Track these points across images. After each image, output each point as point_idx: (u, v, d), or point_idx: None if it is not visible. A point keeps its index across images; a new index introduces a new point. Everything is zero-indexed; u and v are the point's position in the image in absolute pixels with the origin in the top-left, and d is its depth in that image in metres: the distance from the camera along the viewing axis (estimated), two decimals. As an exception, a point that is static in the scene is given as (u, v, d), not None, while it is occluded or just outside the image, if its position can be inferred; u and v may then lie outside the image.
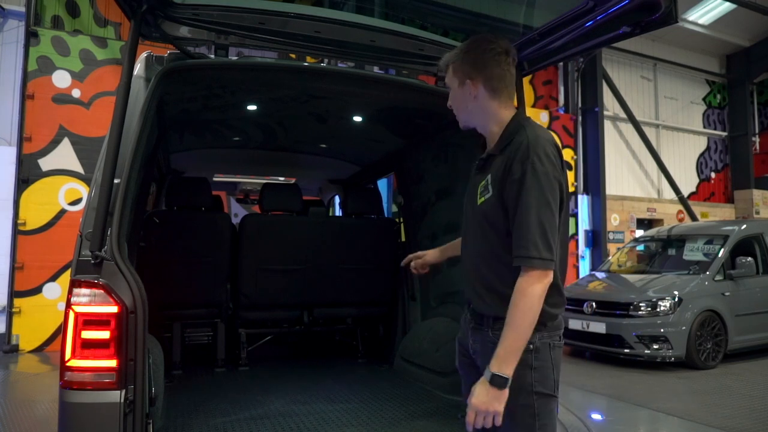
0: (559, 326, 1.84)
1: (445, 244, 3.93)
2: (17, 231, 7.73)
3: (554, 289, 1.74)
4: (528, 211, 1.64)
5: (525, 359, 1.69)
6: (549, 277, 1.67)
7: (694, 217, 13.81)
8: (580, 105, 13.05)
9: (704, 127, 15.89)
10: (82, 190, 8.08)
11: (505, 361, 1.63)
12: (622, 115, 13.67)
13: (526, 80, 11.04)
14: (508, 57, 1.82)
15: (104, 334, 1.99)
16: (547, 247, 1.64)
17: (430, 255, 2.37)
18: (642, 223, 13.91)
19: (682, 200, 14.03)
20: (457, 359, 2.03)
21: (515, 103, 1.92)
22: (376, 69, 3.46)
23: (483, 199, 1.79)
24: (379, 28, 2.73)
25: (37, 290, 7.77)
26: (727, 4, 13.20)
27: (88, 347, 1.98)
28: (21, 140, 7.83)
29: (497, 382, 1.62)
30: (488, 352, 1.73)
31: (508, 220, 1.71)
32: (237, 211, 9.74)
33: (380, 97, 3.36)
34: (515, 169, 1.68)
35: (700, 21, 14.18)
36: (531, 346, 1.72)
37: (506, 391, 1.63)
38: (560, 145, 12.58)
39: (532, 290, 1.63)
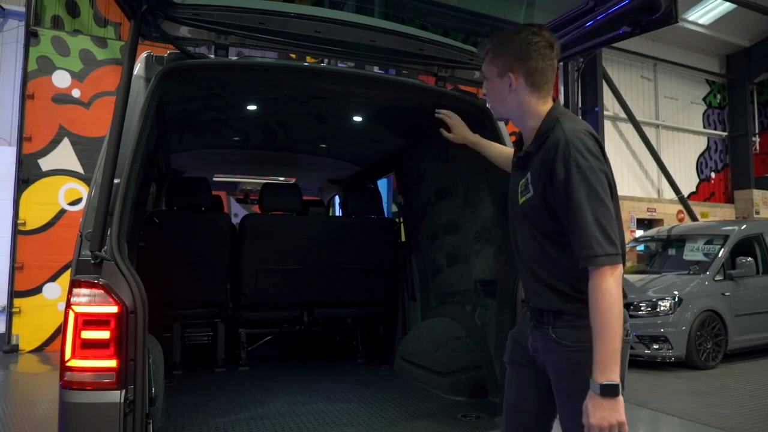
0: (625, 319, 1.73)
1: (445, 244, 3.92)
2: (17, 231, 7.73)
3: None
4: (582, 210, 1.58)
5: (586, 360, 1.60)
6: (619, 269, 1.59)
7: (694, 217, 13.81)
8: (580, 105, 13.05)
9: (704, 127, 15.89)
10: (82, 190, 8.08)
11: (607, 368, 1.53)
12: (622, 115, 13.67)
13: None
14: (552, 51, 1.74)
15: (104, 334, 1.99)
16: (609, 242, 1.58)
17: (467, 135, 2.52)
18: (642, 223, 13.91)
19: (682, 200, 14.03)
20: (508, 354, 1.97)
21: (553, 95, 1.85)
22: (376, 69, 3.46)
23: (524, 198, 1.76)
24: (379, 28, 2.73)
25: (37, 290, 7.77)
26: (727, 4, 13.20)
27: (88, 347, 1.98)
28: (21, 140, 7.83)
29: (608, 391, 1.52)
30: (550, 350, 1.72)
31: (552, 219, 1.68)
32: (237, 211, 9.74)
33: (380, 97, 3.35)
34: (558, 170, 1.62)
35: (700, 21, 14.18)
36: (589, 345, 1.64)
37: (621, 399, 1.54)
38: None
39: (607, 287, 1.56)
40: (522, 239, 1.82)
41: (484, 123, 3.09)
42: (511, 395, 1.94)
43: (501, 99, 1.80)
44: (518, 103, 1.77)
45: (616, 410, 1.52)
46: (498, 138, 2.99)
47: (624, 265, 1.63)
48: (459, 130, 2.52)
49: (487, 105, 1.92)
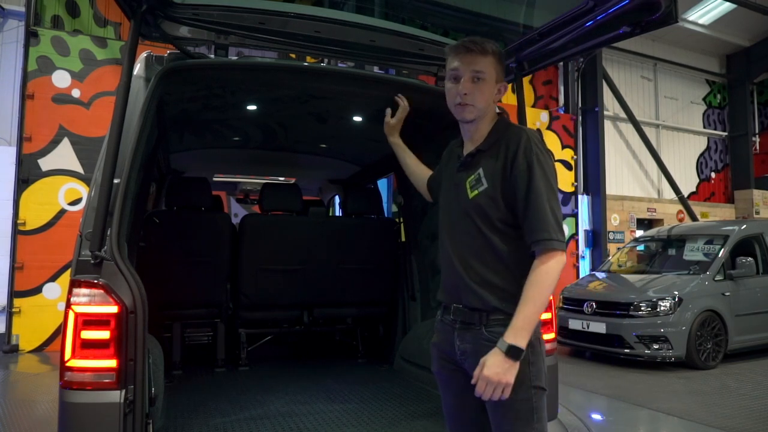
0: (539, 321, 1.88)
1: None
2: (17, 231, 7.73)
3: None
4: (541, 198, 1.70)
5: (523, 355, 1.70)
6: (564, 259, 1.72)
7: (694, 217, 13.81)
8: (580, 105, 13.04)
9: (704, 127, 15.89)
10: (82, 190, 8.07)
11: (520, 334, 1.65)
12: (622, 115, 13.66)
13: (526, 80, 11.05)
14: None
15: (104, 334, 1.99)
16: (562, 232, 1.72)
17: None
18: (642, 223, 13.91)
19: (682, 200, 14.03)
20: (435, 364, 1.98)
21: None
22: (376, 69, 3.46)
23: (476, 192, 1.80)
24: (379, 28, 2.73)
25: (37, 290, 7.76)
26: (727, 4, 13.19)
27: (87, 347, 1.98)
28: (21, 140, 7.83)
29: (513, 353, 1.63)
30: (482, 351, 1.72)
31: (505, 209, 1.76)
32: (237, 211, 9.74)
33: (380, 97, 3.35)
34: (520, 161, 1.73)
35: (700, 21, 14.18)
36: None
37: (518, 364, 1.65)
38: (561, 144, 12.63)
39: (552, 268, 1.68)
40: (464, 237, 1.84)
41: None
42: (449, 405, 1.96)
43: (488, 102, 1.85)
44: (490, 110, 1.88)
45: (510, 372, 1.64)
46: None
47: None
48: (395, 122, 2.54)
49: (464, 103, 1.83)
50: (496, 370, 1.63)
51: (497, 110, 1.94)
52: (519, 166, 1.73)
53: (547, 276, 1.68)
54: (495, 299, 1.75)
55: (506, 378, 1.63)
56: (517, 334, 1.64)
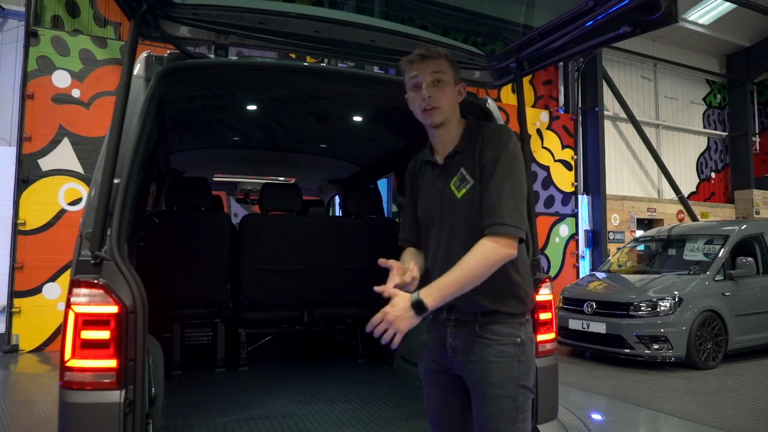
0: (530, 320, 1.89)
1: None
2: (17, 231, 7.73)
3: (532, 281, 1.84)
4: (502, 186, 1.71)
5: (514, 353, 1.75)
6: (515, 249, 1.69)
7: (694, 217, 13.81)
8: (580, 105, 13.04)
9: (704, 127, 15.89)
10: (82, 190, 8.07)
11: (431, 293, 1.64)
12: (622, 115, 13.66)
13: (526, 80, 11.06)
14: None
15: (104, 334, 1.99)
16: (520, 219, 1.69)
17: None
18: (642, 223, 13.91)
19: (682, 200, 14.03)
20: (423, 366, 1.99)
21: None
22: (376, 69, 3.46)
23: (464, 190, 1.81)
24: (379, 28, 2.72)
25: (37, 290, 7.76)
26: (727, 4, 13.19)
27: (87, 347, 1.98)
28: (21, 140, 7.83)
29: (417, 307, 1.64)
30: (472, 347, 1.77)
31: None
32: (237, 211, 9.74)
33: (380, 97, 3.35)
34: (488, 152, 1.77)
35: (700, 21, 14.18)
36: (518, 340, 1.78)
37: (418, 319, 1.65)
38: (561, 144, 12.63)
39: (495, 254, 1.67)
40: (456, 240, 1.81)
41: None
42: (433, 404, 1.97)
43: (452, 104, 1.87)
44: (455, 112, 1.89)
45: (405, 321, 1.63)
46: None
47: (529, 253, 1.80)
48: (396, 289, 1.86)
49: (435, 106, 1.84)
50: (397, 314, 1.64)
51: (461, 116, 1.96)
52: (487, 154, 1.77)
53: (485, 258, 1.66)
54: (488, 300, 1.76)
55: (399, 324, 1.63)
56: (429, 293, 1.65)
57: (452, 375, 1.88)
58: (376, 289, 1.78)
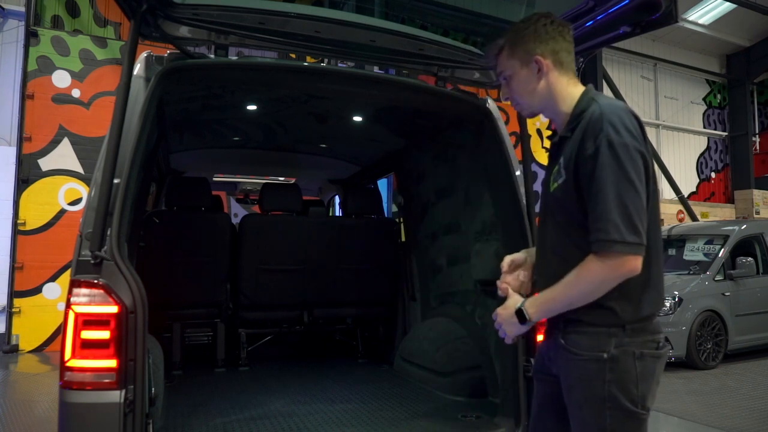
0: (655, 330, 1.58)
1: (445, 244, 3.91)
2: (17, 231, 7.73)
3: (646, 284, 1.53)
4: (605, 189, 1.44)
5: (598, 369, 1.50)
6: (631, 266, 1.44)
7: (694, 217, 13.81)
8: (580, 105, 13.05)
9: (704, 127, 15.89)
10: (82, 190, 8.08)
11: (535, 306, 1.61)
12: (622, 115, 13.67)
13: (526, 80, 11.04)
14: (569, 30, 1.70)
15: (104, 334, 1.99)
16: (631, 229, 1.42)
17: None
18: (642, 223, 13.91)
19: (682, 200, 14.03)
20: (536, 364, 1.88)
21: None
22: (376, 69, 3.46)
23: (556, 185, 1.62)
24: (379, 28, 2.72)
25: (37, 290, 7.76)
26: (727, 4, 13.20)
27: (87, 347, 1.98)
28: (21, 140, 7.83)
29: (520, 315, 1.63)
30: (560, 358, 1.62)
31: (582, 206, 1.53)
32: (237, 211, 9.74)
33: (380, 97, 3.35)
34: (588, 144, 1.48)
35: (700, 21, 14.18)
36: (605, 356, 1.51)
37: (522, 327, 1.64)
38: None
39: (598, 273, 1.46)
40: (550, 236, 1.68)
41: (483, 123, 3.09)
42: (533, 407, 1.87)
43: (530, 90, 1.69)
44: (549, 89, 1.66)
45: (511, 327, 1.66)
46: (498, 137, 2.99)
47: (648, 266, 1.49)
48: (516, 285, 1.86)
49: (514, 105, 1.77)
50: (504, 317, 1.68)
51: (581, 86, 1.69)
52: (586, 152, 1.49)
53: (587, 274, 1.47)
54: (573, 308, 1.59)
55: (506, 328, 1.68)
56: (534, 303, 1.62)
57: (555, 384, 1.69)
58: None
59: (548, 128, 12.32)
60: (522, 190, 2.85)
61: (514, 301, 1.68)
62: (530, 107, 1.74)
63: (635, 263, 1.45)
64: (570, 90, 1.67)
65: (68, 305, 2.00)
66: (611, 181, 1.44)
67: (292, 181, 6.40)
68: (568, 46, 1.68)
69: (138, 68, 2.53)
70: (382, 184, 9.73)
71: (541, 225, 1.78)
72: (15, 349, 7.57)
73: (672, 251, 8.62)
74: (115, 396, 1.97)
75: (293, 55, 5.35)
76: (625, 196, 1.43)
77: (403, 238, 4.83)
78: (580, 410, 1.56)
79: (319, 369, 4.45)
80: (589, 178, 1.48)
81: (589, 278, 1.48)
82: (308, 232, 4.55)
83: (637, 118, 1.54)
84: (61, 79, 8.11)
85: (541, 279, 1.71)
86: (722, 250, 7.72)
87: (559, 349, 1.63)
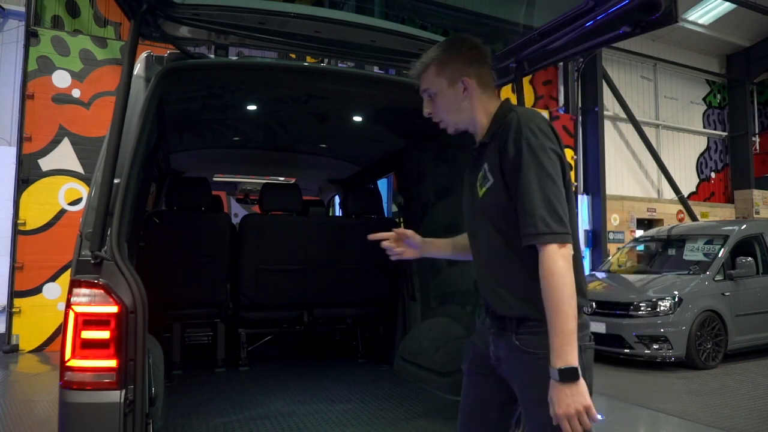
0: (586, 323, 1.67)
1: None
2: (17, 231, 7.73)
3: (576, 276, 1.60)
4: (530, 187, 1.55)
5: (544, 366, 1.53)
6: (568, 249, 1.54)
7: (694, 217, 13.81)
8: (580, 105, 13.04)
9: (704, 127, 15.89)
10: (82, 190, 8.08)
11: (564, 351, 1.47)
12: (622, 115, 13.66)
13: (526, 80, 11.04)
14: (488, 55, 1.82)
15: (104, 334, 1.99)
16: (557, 220, 1.53)
17: (432, 242, 2.17)
18: (642, 223, 13.91)
19: (682, 200, 14.03)
20: (466, 362, 1.90)
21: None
22: (376, 69, 3.46)
23: (485, 189, 1.70)
24: (379, 28, 2.72)
25: (37, 290, 7.77)
26: (727, 4, 13.20)
27: (88, 347, 1.98)
28: (21, 140, 7.83)
29: (568, 375, 1.46)
30: (515, 359, 1.65)
31: (513, 206, 1.63)
32: (237, 211, 9.74)
33: (380, 97, 3.35)
34: (509, 148, 1.61)
35: (700, 21, 14.18)
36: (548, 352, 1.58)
37: (583, 382, 1.47)
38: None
39: (555, 267, 1.51)
40: (483, 239, 1.74)
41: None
42: (467, 404, 1.88)
43: (455, 108, 1.78)
44: (473, 107, 1.78)
45: (580, 394, 1.46)
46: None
47: (574, 248, 1.57)
48: (406, 246, 2.12)
49: (437, 121, 1.85)
50: (566, 402, 1.45)
51: (500, 100, 1.81)
52: (508, 154, 1.61)
53: (552, 278, 1.51)
54: (519, 304, 1.65)
55: (580, 403, 1.45)
56: (560, 355, 1.47)
57: (495, 383, 1.75)
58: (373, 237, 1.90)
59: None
60: None
61: (552, 383, 1.50)
62: (455, 124, 1.82)
63: (568, 248, 1.55)
64: (491, 104, 1.79)
65: (68, 305, 2.00)
66: (534, 178, 1.56)
67: (292, 181, 6.40)
68: (489, 70, 1.82)
69: (138, 68, 2.53)
70: (382, 184, 9.73)
71: (473, 237, 1.82)
72: (15, 349, 7.57)
73: (672, 251, 8.63)
74: (115, 396, 1.97)
75: (293, 55, 5.34)
76: (549, 191, 1.55)
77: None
78: (540, 407, 1.54)
79: (319, 369, 4.45)
80: (515, 178, 1.59)
81: (555, 275, 1.51)
82: (308, 232, 4.56)
83: (550, 124, 1.69)
84: (61, 79, 8.11)
85: (490, 289, 1.73)
86: (722, 250, 7.73)
87: (513, 350, 1.65)
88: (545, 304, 1.52)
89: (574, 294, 1.52)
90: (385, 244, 2.04)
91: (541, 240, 1.53)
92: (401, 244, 2.07)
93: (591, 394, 1.53)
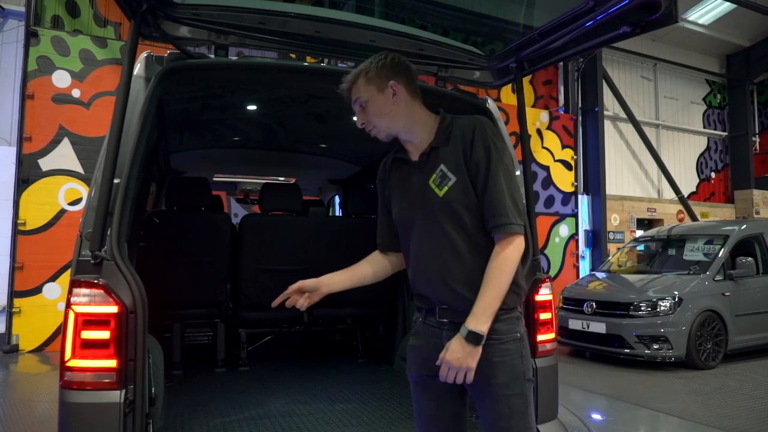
0: (522, 317, 1.92)
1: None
2: (17, 231, 7.73)
3: (521, 275, 1.83)
4: (500, 185, 1.74)
5: (516, 349, 1.77)
6: (523, 242, 1.75)
7: (694, 217, 13.81)
8: (580, 105, 13.04)
9: (704, 127, 15.89)
10: (82, 190, 8.08)
11: (481, 319, 1.67)
12: (622, 115, 13.66)
13: (526, 80, 11.05)
14: (413, 69, 1.91)
15: (104, 334, 1.99)
16: (518, 213, 1.74)
17: (328, 284, 2.16)
18: (642, 223, 13.91)
19: (682, 200, 14.03)
20: (413, 370, 1.93)
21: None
22: (376, 69, 3.45)
23: (446, 188, 1.78)
24: (379, 28, 2.72)
25: (37, 290, 7.77)
26: (727, 4, 13.20)
27: (88, 347, 1.98)
28: (21, 140, 7.83)
29: (473, 338, 1.65)
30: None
31: (477, 201, 1.78)
32: (237, 211, 9.74)
33: None
34: (477, 149, 1.76)
35: (700, 21, 14.18)
36: (518, 335, 1.80)
37: (480, 348, 1.67)
38: (561, 144, 12.63)
39: (513, 255, 1.71)
40: (439, 239, 1.79)
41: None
42: (425, 409, 1.90)
43: (387, 112, 1.84)
44: (407, 112, 1.85)
45: (472, 356, 1.66)
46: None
47: (529, 253, 1.86)
48: (321, 291, 2.18)
49: (370, 129, 1.89)
50: (458, 355, 1.66)
51: (433, 113, 1.90)
52: (477, 153, 1.76)
53: (506, 261, 1.70)
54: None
55: (467, 362, 1.66)
56: (478, 320, 1.66)
57: (450, 384, 1.80)
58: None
59: (548, 128, 12.32)
60: (522, 190, 2.85)
61: (456, 336, 1.68)
62: (387, 129, 1.87)
63: (523, 243, 1.75)
64: (424, 113, 1.90)
65: (68, 305, 2.00)
66: (502, 176, 1.75)
67: (292, 181, 6.40)
68: (415, 81, 1.90)
69: (138, 68, 2.53)
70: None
71: (423, 237, 1.84)
72: (15, 349, 7.57)
73: (672, 251, 8.63)
74: (115, 396, 1.97)
75: (293, 55, 5.34)
76: (512, 188, 1.77)
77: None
78: (507, 388, 1.73)
79: (319, 369, 4.45)
80: (484, 176, 1.75)
81: (510, 262, 1.71)
82: (308, 232, 4.55)
83: None
84: (61, 79, 8.11)
85: (444, 288, 1.79)
86: (722, 250, 7.73)
87: None
88: (485, 279, 1.70)
89: (511, 280, 1.72)
90: (289, 302, 2.09)
91: (510, 229, 1.71)
92: (302, 295, 2.13)
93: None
